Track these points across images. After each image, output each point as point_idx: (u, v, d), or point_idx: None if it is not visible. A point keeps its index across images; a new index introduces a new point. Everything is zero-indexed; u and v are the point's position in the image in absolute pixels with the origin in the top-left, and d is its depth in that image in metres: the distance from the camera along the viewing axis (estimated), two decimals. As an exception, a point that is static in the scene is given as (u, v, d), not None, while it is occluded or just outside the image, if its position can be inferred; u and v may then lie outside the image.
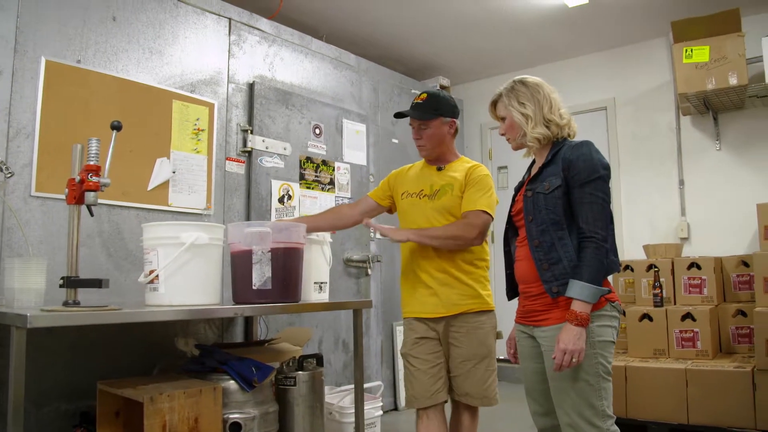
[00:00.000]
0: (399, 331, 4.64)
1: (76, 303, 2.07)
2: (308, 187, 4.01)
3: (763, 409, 3.32)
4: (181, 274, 2.32)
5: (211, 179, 3.50)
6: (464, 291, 2.54)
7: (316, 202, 4.06)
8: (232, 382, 2.54)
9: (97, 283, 2.00)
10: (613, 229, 2.09)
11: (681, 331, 3.84)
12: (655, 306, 4.00)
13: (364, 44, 5.08)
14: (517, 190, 2.34)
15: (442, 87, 5.52)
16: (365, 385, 3.27)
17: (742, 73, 3.95)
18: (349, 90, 4.49)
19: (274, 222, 2.65)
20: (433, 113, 2.62)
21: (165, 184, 3.27)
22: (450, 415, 2.64)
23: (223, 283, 2.73)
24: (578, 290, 1.96)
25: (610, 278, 2.12)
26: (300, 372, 2.84)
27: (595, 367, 1.98)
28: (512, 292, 2.32)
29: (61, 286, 2.11)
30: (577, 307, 1.96)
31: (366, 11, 4.60)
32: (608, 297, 2.04)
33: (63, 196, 2.24)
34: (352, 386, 3.38)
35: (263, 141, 3.75)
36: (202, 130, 3.47)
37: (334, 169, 4.22)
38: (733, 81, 3.96)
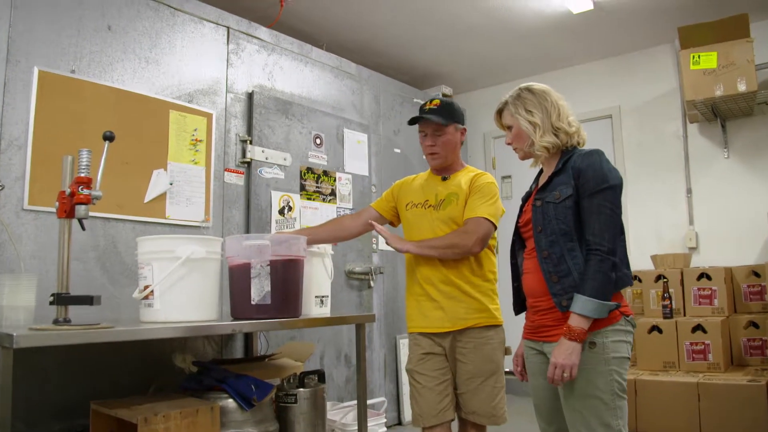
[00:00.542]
0: (402, 345, 4.55)
1: (66, 321, 1.99)
2: (309, 198, 3.94)
3: (778, 424, 3.23)
4: (176, 289, 2.24)
5: (210, 191, 3.42)
6: (471, 305, 2.46)
7: (317, 213, 3.98)
8: (230, 400, 2.45)
9: (88, 300, 1.92)
10: (623, 241, 2.00)
11: (692, 343, 3.75)
12: (665, 317, 3.91)
13: (365, 53, 5.01)
14: (525, 200, 2.26)
15: (445, 95, 5.45)
16: (368, 402, 3.18)
17: (751, 79, 3.88)
18: (350, 99, 4.42)
19: (273, 234, 2.58)
20: (450, 119, 2.57)
21: (162, 197, 3.19)
22: (457, 433, 2.55)
23: (222, 297, 2.65)
24: (580, 305, 1.88)
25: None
26: (301, 389, 2.75)
27: (610, 385, 1.89)
28: (519, 306, 2.24)
29: (51, 303, 2.02)
30: (574, 321, 1.88)
31: (367, 19, 4.54)
32: (622, 310, 1.96)
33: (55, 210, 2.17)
34: (355, 402, 3.29)
35: (263, 151, 3.68)
36: (200, 141, 3.40)
37: (335, 180, 4.14)
38: (741, 87, 3.89)
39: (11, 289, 2.06)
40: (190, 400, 2.38)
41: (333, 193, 4.11)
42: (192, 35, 3.43)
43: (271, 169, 3.72)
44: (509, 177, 5.72)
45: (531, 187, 2.29)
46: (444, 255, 2.43)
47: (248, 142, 3.62)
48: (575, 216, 1.97)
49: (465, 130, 2.67)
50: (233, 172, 3.56)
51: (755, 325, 3.83)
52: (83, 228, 2.04)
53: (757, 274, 4.02)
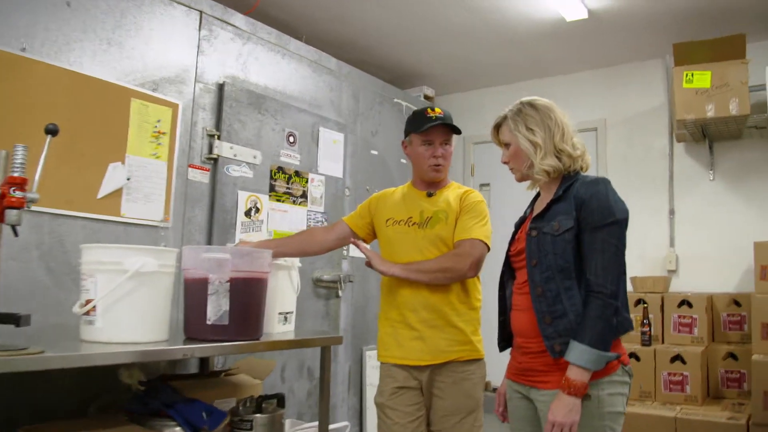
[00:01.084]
0: (369, 356, 4.34)
1: (-11, 341, 1.72)
2: (278, 200, 3.69)
3: (757, 467, 3.10)
4: (122, 305, 1.98)
5: (171, 188, 3.15)
6: (454, 336, 2.25)
7: (287, 216, 3.73)
8: (178, 429, 2.21)
9: (13, 320, 1.66)
10: (624, 281, 1.81)
11: (670, 374, 3.61)
12: (643, 344, 3.76)
13: (345, 48, 4.76)
14: (518, 226, 2.06)
15: (427, 97, 5.24)
16: (331, 427, 2.96)
17: (744, 102, 3.74)
18: (327, 96, 4.18)
19: (235, 247, 2.33)
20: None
21: (117, 192, 2.92)
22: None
23: (177, 311, 2.41)
24: (577, 354, 1.68)
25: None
26: (258, 415, 2.52)
27: (604, 442, 1.70)
28: (505, 342, 2.04)
29: (-28, 320, 1.76)
30: (573, 374, 1.68)
31: (350, 13, 4.30)
32: (620, 359, 1.77)
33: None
34: (316, 424, 3.07)
35: (231, 148, 3.42)
36: (164, 134, 3.13)
37: (307, 181, 3.90)
38: (734, 110, 3.75)
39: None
40: (132, 428, 2.14)
41: (304, 196, 3.87)
42: (161, 17, 3.15)
43: (239, 167, 3.46)
44: (488, 185, 5.53)
45: (525, 212, 2.08)
46: (435, 280, 2.22)
47: (216, 137, 3.36)
48: (575, 251, 1.78)
49: None
50: (198, 168, 3.30)
51: (734, 357, 3.71)
52: (16, 234, 1.77)
53: (738, 303, 3.90)
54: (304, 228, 3.83)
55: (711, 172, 4.43)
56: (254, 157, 3.55)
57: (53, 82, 2.70)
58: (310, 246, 2.54)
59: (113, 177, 2.90)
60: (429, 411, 2.30)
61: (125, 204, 2.95)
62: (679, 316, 3.82)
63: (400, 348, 2.30)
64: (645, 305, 3.87)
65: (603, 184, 1.82)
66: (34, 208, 1.87)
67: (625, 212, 1.80)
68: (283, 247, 2.48)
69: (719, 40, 3.83)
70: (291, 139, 3.79)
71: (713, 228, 4.41)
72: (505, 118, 2.01)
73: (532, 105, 1.95)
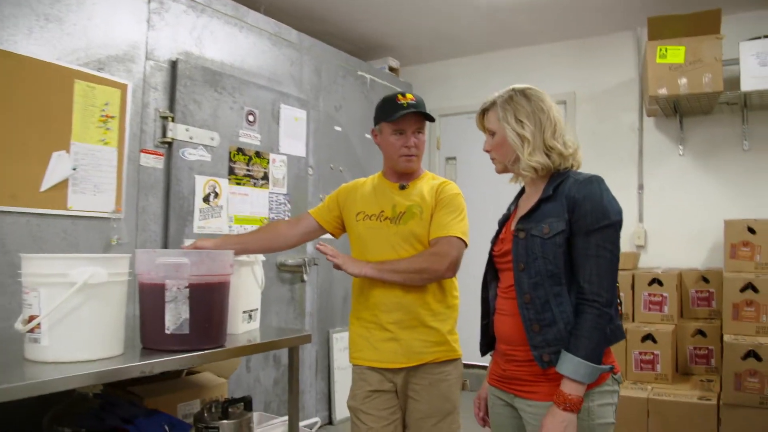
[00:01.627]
0: (336, 339, 4.23)
1: None
2: (238, 183, 3.50)
3: (728, 447, 3.10)
4: (70, 321, 1.80)
5: (122, 176, 2.94)
6: (429, 336, 2.13)
7: (247, 199, 3.55)
8: (137, 446, 2.06)
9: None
10: (616, 286, 1.70)
11: (641, 353, 3.58)
12: (615, 325, 3.72)
13: (306, 19, 4.51)
14: (502, 224, 1.92)
15: (391, 69, 5.05)
16: (300, 424, 2.84)
17: (717, 78, 3.65)
18: (288, 70, 3.96)
19: (193, 250, 2.16)
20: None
21: (63, 184, 2.70)
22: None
23: (135, 313, 2.24)
24: (572, 368, 1.57)
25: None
26: (224, 421, 2.37)
27: (593, 456, 1.62)
28: (487, 346, 1.93)
29: None
30: (568, 388, 1.58)
31: (310, -19, 4.07)
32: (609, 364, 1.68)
33: None
34: (284, 419, 2.95)
35: (187, 130, 3.20)
36: (112, 117, 2.90)
37: (268, 162, 3.71)
38: (707, 87, 3.66)
39: None
40: (86, 449, 1.98)
41: (266, 177, 3.68)
42: (105, -10, 2.90)
43: (195, 150, 3.25)
44: (454, 159, 5.40)
45: (509, 209, 1.95)
46: (410, 281, 2.08)
47: (170, 119, 3.14)
48: (566, 255, 1.66)
49: None
50: (151, 153, 3.09)
51: (703, 334, 3.70)
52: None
53: (706, 280, 3.88)
54: (266, 212, 3.66)
55: (681, 147, 4.37)
56: (212, 139, 3.34)
57: (-15, 65, 2.46)
58: (275, 242, 2.38)
59: (57, 167, 2.68)
60: (404, 414, 2.20)
61: (72, 196, 2.74)
62: (650, 294, 3.78)
63: (373, 350, 2.17)
64: (616, 284, 3.82)
65: (597, 183, 1.70)
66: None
67: (620, 213, 1.69)
68: (244, 244, 2.32)
69: (694, 15, 3.72)
70: (250, 118, 3.59)
71: (682, 203, 4.37)
72: (493, 103, 1.85)
73: (524, 94, 1.79)
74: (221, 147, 3.39)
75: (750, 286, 3.33)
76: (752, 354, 3.09)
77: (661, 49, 3.77)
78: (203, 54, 3.37)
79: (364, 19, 4.58)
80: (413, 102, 2.18)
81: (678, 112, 4.22)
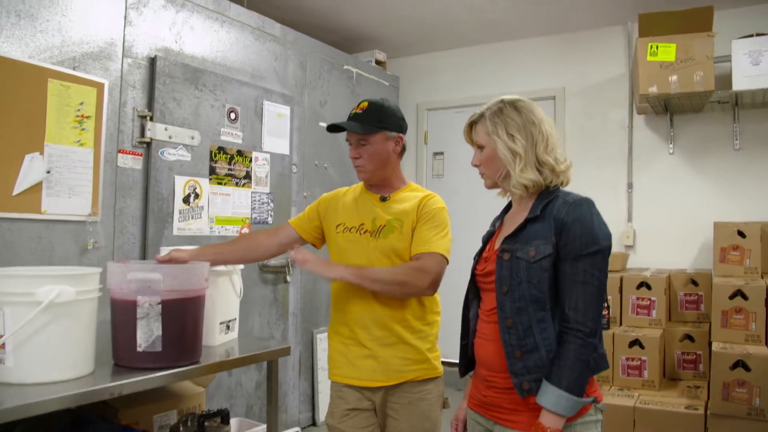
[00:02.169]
0: (320, 340, 4.18)
1: None
2: (220, 183, 3.42)
3: (714, 456, 3.08)
4: (36, 342, 1.73)
5: (99, 178, 2.86)
6: (408, 354, 2.07)
7: (229, 200, 3.47)
8: (109, 466, 2.00)
9: None
10: (602, 312, 1.65)
11: (628, 359, 3.55)
12: (602, 328, 3.68)
13: (290, 11, 4.41)
14: (486, 240, 1.86)
15: (378, 62, 4.96)
16: (280, 433, 2.80)
17: (709, 77, 3.60)
18: (272, 66, 3.87)
19: (166, 264, 2.08)
20: (376, 126, 2.11)
21: (37, 187, 2.62)
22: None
23: (106, 330, 2.17)
24: (553, 400, 1.52)
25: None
26: (200, 435, 2.32)
27: (579, 489, 1.57)
28: (466, 367, 1.87)
29: None
30: (548, 420, 1.53)
31: (295, -27, 3.96)
32: (594, 395, 1.63)
33: None
34: (263, 427, 2.91)
35: (166, 129, 3.12)
36: (88, 117, 2.81)
37: (251, 161, 3.63)
38: (699, 85, 3.60)
39: None
40: (56, 470, 1.92)
41: (248, 176, 3.61)
42: (79, -15, 2.80)
43: (175, 150, 3.17)
44: (441, 154, 5.32)
45: (494, 225, 1.88)
46: (390, 292, 2.01)
47: (148, 118, 3.05)
48: (551, 280, 1.59)
49: (401, 138, 2.19)
50: (129, 154, 3.00)
51: (690, 339, 3.66)
52: None
53: (695, 283, 3.84)
54: (248, 212, 3.59)
55: (671, 145, 4.32)
56: (192, 138, 3.26)
57: (-48, 66, 2.37)
58: (253, 252, 2.31)
59: (30, 170, 2.60)
60: (384, 432, 2.15)
61: (46, 199, 2.65)
62: (638, 298, 3.74)
63: (351, 367, 2.11)
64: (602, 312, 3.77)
65: (587, 205, 1.63)
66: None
67: (609, 238, 1.63)
68: (222, 255, 2.25)
69: (686, 12, 3.65)
70: (232, 115, 3.50)
71: (671, 203, 4.32)
72: (482, 116, 1.77)
73: (514, 106, 1.71)
74: (202, 146, 3.31)
75: (739, 293, 3.29)
76: (741, 364, 3.05)
77: (651, 47, 3.71)
78: (183, 50, 3.27)
79: (350, 10, 4.49)
80: (359, 112, 2.12)
81: (668, 109, 4.16)
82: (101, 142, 2.87)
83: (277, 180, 3.80)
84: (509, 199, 1.86)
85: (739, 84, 3.61)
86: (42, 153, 2.63)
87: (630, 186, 4.47)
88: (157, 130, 3.07)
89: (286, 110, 3.88)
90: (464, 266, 1.93)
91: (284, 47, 3.96)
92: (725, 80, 3.73)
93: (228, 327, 2.44)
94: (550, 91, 4.80)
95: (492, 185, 1.80)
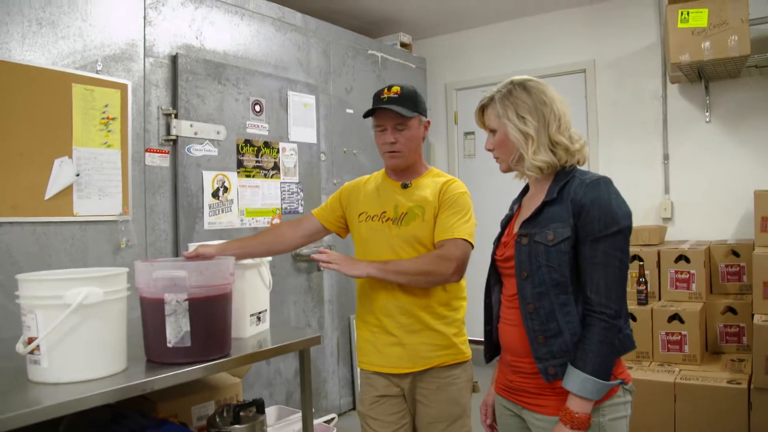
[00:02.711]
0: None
1: None
2: (248, 176, 3.45)
3: (758, 431, 3.00)
4: (68, 343, 1.78)
5: (128, 178, 2.91)
6: (435, 340, 2.07)
7: (258, 191, 3.51)
8: (147, 459, 2.06)
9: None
10: (626, 293, 1.61)
11: (667, 333, 3.48)
12: (639, 304, 3.62)
13: (311, 0, 4.40)
14: (504, 225, 1.83)
15: (403, 44, 4.91)
16: (317, 421, 2.83)
17: (744, 42, 3.46)
18: (295, 56, 3.87)
19: (192, 262, 2.11)
20: (414, 109, 2.10)
21: (68, 190, 2.69)
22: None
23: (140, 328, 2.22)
24: (579, 384, 1.50)
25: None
26: (236, 426, 2.36)
27: (607, 472, 1.55)
28: (491, 353, 1.86)
29: None
30: (575, 405, 1.50)
31: (313, -39, 3.94)
32: (621, 376, 1.60)
33: None
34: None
35: (191, 126, 3.15)
36: (113, 119, 2.86)
37: (278, 152, 3.65)
38: (733, 51, 3.47)
39: None
40: (96, 464, 1.98)
41: (276, 167, 3.63)
42: (98, -12, 2.84)
43: (201, 146, 3.21)
44: (472, 134, 5.27)
45: (512, 208, 1.86)
46: (415, 283, 2.01)
47: (173, 115, 3.09)
48: (572, 262, 1.56)
49: (429, 123, 2.21)
50: (156, 152, 3.05)
51: (733, 311, 3.57)
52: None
53: (736, 254, 3.74)
54: (278, 202, 3.62)
55: (707, 113, 4.18)
56: (218, 133, 3.29)
57: (-21, 76, 2.43)
58: (277, 245, 2.32)
59: (60, 174, 2.66)
60: (414, 417, 2.15)
61: (78, 201, 2.72)
62: (677, 272, 3.65)
63: (378, 355, 2.12)
64: (641, 263, 3.70)
65: (605, 185, 1.58)
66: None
67: (629, 217, 1.58)
68: (246, 249, 2.27)
69: (716, -26, 3.51)
70: (257, 108, 3.52)
71: (710, 173, 4.20)
72: (492, 99, 1.74)
73: (524, 87, 1.67)
74: (228, 140, 3.34)
75: (781, 263, 3.19)
76: (783, 336, 2.97)
77: (682, 13, 3.58)
78: (204, 46, 3.29)
79: (371, -6, 4.45)
80: (395, 96, 2.07)
81: (703, 77, 4.03)
82: (128, 142, 2.91)
83: (306, 169, 3.82)
84: (527, 181, 1.83)
85: (778, 45, 3.48)
86: (71, 157, 2.69)
87: (666, 157, 4.36)
88: (182, 127, 3.10)
89: (311, 99, 3.88)
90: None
91: (306, 36, 3.96)
92: (763, 43, 3.60)
93: (259, 318, 2.47)
94: (580, 64, 4.69)
95: (506, 169, 1.77)
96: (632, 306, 3.59)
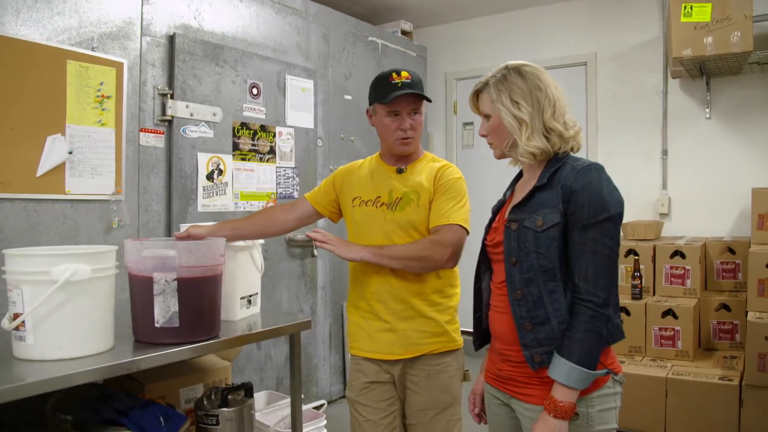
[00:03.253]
0: (350, 313, 4.18)
1: None
2: (243, 159, 3.42)
3: (748, 428, 2.99)
4: (54, 319, 1.76)
5: (121, 157, 2.89)
6: (427, 327, 2.05)
7: (253, 175, 3.48)
8: (132, 439, 2.04)
9: None
10: (617, 281, 1.59)
11: (661, 329, 3.47)
12: (634, 298, 3.61)
13: (313, -18, 4.35)
14: (496, 211, 1.81)
15: (404, 32, 4.88)
16: (306, 407, 2.82)
17: (747, 37, 3.43)
18: (294, 40, 3.83)
19: (181, 242, 2.09)
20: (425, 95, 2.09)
21: (60, 168, 2.66)
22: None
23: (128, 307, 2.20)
24: (564, 373, 1.48)
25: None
26: (224, 409, 2.34)
27: (595, 463, 1.53)
28: (481, 340, 1.84)
29: None
30: (560, 394, 1.49)
31: (315, -56, 3.90)
32: (611, 367, 1.58)
33: None
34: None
35: (187, 106, 3.12)
36: (108, 97, 2.83)
37: (275, 135, 3.62)
38: (735, 47, 3.44)
39: None
40: (79, 442, 1.96)
41: (272, 151, 3.60)
42: (95, -36, 2.80)
43: (197, 127, 3.18)
44: (471, 124, 5.24)
45: (505, 195, 1.83)
46: (409, 268, 2.00)
47: (169, 95, 3.06)
48: (561, 249, 1.54)
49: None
50: (151, 132, 3.02)
51: (727, 308, 3.56)
52: None
53: (732, 251, 3.72)
54: (273, 186, 3.59)
55: (707, 110, 4.16)
56: (214, 115, 3.26)
57: (-28, 49, 2.40)
58: (270, 228, 2.30)
59: (53, 151, 2.63)
60: (403, 404, 2.14)
61: (70, 179, 2.69)
62: (672, 267, 3.64)
63: (370, 341, 2.11)
64: (636, 257, 3.68)
65: (596, 172, 1.56)
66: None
67: (620, 205, 1.56)
68: (238, 230, 2.25)
69: (721, -32, 3.48)
70: (254, 91, 3.49)
71: (708, 169, 4.18)
72: (486, 84, 1.71)
73: (518, 72, 1.65)
74: (224, 122, 3.31)
75: (776, 261, 3.18)
76: (776, 333, 2.96)
77: (685, 7, 3.55)
78: (202, 27, 3.26)
79: (373, -18, 4.41)
80: (408, 81, 2.04)
81: (704, 73, 4.00)
82: (122, 121, 2.89)
83: (302, 154, 3.79)
84: (521, 168, 1.81)
85: (779, 43, 3.46)
86: (64, 134, 2.66)
87: (665, 153, 4.34)
88: (178, 108, 3.08)
89: (309, 84, 3.85)
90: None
91: (306, 20, 3.92)
92: (765, 40, 3.57)
93: (249, 301, 2.45)
94: (581, 57, 4.66)
95: (500, 155, 1.74)
96: (626, 300, 3.58)
